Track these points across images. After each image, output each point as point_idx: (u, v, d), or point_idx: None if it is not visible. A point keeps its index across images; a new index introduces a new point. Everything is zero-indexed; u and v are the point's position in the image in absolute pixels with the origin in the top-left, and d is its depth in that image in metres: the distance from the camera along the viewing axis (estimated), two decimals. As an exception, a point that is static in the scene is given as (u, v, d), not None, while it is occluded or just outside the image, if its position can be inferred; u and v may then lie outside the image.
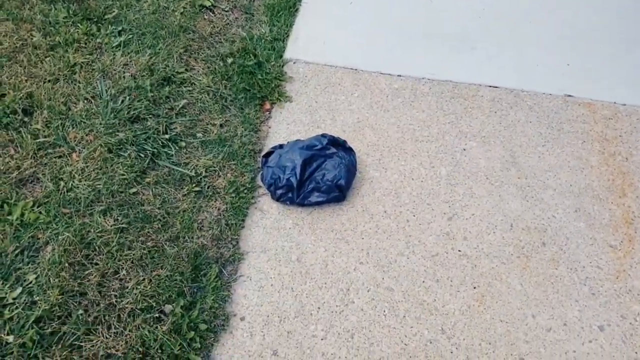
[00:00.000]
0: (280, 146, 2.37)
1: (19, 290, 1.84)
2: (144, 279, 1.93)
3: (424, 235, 2.18)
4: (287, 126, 2.60)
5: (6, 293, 1.83)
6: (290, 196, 2.21)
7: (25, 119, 2.41)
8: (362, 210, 2.27)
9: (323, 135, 2.35)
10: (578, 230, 2.19)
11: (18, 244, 1.98)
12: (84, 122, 2.39)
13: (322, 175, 2.23)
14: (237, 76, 2.69)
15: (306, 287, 2.02)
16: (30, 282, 1.87)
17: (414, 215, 2.25)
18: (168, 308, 1.87)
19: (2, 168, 2.20)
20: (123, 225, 2.06)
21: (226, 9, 3.08)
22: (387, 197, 2.31)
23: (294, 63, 2.90)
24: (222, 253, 2.07)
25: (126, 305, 1.86)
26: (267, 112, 2.64)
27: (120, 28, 2.86)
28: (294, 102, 2.69)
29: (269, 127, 2.59)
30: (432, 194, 2.32)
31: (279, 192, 2.22)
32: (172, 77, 2.63)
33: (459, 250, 2.13)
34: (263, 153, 2.39)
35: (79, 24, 2.87)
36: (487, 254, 2.12)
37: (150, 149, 2.30)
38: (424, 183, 2.37)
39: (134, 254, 1.99)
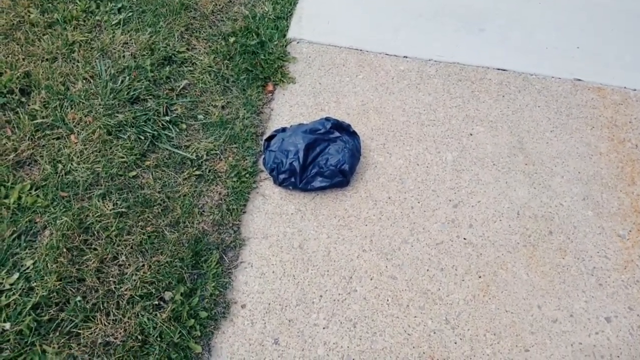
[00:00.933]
0: (283, 129, 2.32)
1: (16, 276, 1.81)
2: (143, 265, 1.90)
3: (429, 222, 2.14)
4: (290, 108, 2.54)
5: (3, 279, 1.80)
6: (293, 181, 2.16)
7: (23, 99, 2.35)
8: (365, 196, 2.23)
9: (327, 119, 2.29)
10: (586, 219, 2.15)
11: (15, 229, 1.94)
12: (83, 103, 2.33)
13: (325, 160, 2.18)
14: (239, 56, 2.62)
15: (308, 275, 1.99)
16: (28, 268, 1.84)
17: (419, 202, 2.20)
18: (168, 295, 1.84)
19: (-1, 150, 2.15)
20: (122, 210, 2.02)
21: (228, -14, 3.00)
22: (391, 182, 2.27)
23: (298, 43, 2.83)
24: (223, 239, 2.03)
25: (125, 292, 1.83)
26: (270, 94, 2.58)
27: (119, 5, 2.79)
28: (298, 84, 2.63)
29: (272, 110, 2.53)
30: (438, 180, 2.27)
31: (282, 176, 2.17)
32: (173, 56, 2.56)
33: (464, 239, 2.09)
34: (265, 136, 2.33)
35: (77, 1, 2.80)
36: (493, 243, 2.08)
37: (151, 131, 2.25)
38: (429, 169, 2.32)
39: (133, 239, 1.95)
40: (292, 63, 2.71)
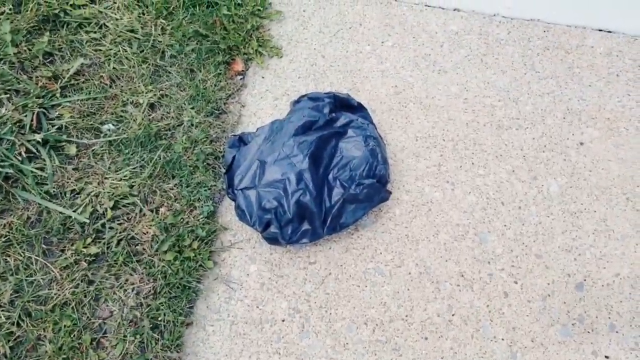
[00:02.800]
0: (241, 140, 1.27)
1: None
2: None
3: (540, 328, 1.15)
4: (274, 102, 1.48)
5: None
6: (311, 230, 1.14)
7: None
8: (418, 272, 1.21)
9: (315, 97, 1.26)
10: None
11: None
12: None
13: (347, 170, 1.17)
14: (185, 10, 1.52)
15: None
16: None
17: (516, 282, 1.21)
18: None
19: None
20: None
21: None
22: (461, 242, 1.26)
23: (283, -13, 1.72)
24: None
25: None
26: (239, 77, 1.50)
27: None
28: (286, 58, 1.56)
29: (242, 106, 1.46)
30: (541, 234, 1.27)
31: (289, 229, 1.14)
32: (62, 13, 1.43)
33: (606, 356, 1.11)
34: (224, 164, 1.28)
35: None
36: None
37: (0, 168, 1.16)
38: (523, 211, 1.31)
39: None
40: (276, 21, 1.62)
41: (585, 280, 1.22)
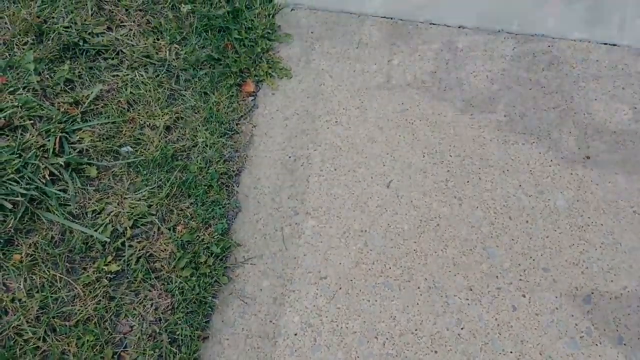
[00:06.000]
0: None
1: None
2: None
3: (534, 333, 1.17)
4: (285, 122, 1.52)
5: None
6: None
7: None
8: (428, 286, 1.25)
9: None
10: None
11: None
12: None
13: None
14: (198, 36, 1.58)
15: None
16: None
17: (520, 291, 1.23)
18: None
19: None
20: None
21: None
22: (469, 257, 1.28)
23: (292, 10, 1.78)
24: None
25: None
26: (250, 98, 1.56)
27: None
28: (295, 79, 1.61)
29: (254, 126, 1.51)
30: (549, 247, 1.29)
31: None
32: (81, 42, 1.51)
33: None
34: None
35: None
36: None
37: (25, 191, 1.22)
38: (530, 225, 1.33)
39: None
40: (285, 44, 1.67)
41: (592, 293, 1.24)
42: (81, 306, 1.14)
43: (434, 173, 1.43)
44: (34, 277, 1.16)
